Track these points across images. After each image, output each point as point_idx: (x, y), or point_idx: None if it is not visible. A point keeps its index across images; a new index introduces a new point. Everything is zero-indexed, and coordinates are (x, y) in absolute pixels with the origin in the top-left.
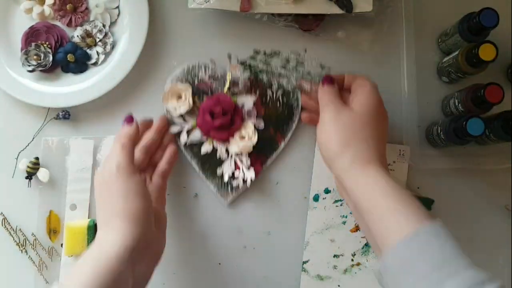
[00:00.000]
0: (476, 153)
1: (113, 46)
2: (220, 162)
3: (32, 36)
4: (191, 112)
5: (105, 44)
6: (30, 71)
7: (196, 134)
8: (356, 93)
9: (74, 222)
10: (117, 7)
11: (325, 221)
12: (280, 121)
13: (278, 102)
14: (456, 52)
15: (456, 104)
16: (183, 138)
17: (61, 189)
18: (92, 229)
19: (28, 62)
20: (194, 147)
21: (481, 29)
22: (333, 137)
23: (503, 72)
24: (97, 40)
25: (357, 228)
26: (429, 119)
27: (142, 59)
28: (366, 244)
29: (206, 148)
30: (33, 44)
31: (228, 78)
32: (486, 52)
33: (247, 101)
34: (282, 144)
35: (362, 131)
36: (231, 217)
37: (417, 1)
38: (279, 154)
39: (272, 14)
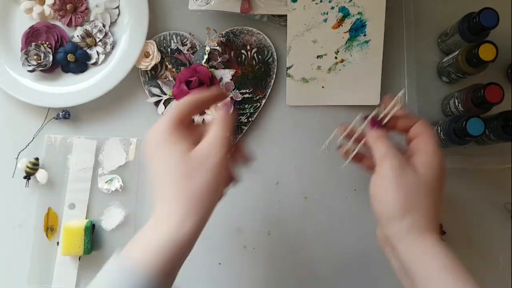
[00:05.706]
0: (476, 153)
1: (113, 46)
2: None
3: (32, 36)
4: (169, 83)
5: (105, 44)
6: (30, 71)
7: (173, 104)
8: (420, 150)
9: (72, 222)
10: (117, 7)
11: (305, 22)
12: (258, 78)
13: (253, 61)
14: (456, 52)
15: (456, 104)
16: (160, 109)
17: (61, 187)
18: (90, 230)
19: (28, 62)
20: None
21: (481, 29)
22: (395, 197)
23: (503, 72)
24: (97, 40)
25: (339, 24)
26: (429, 119)
27: None
28: (349, 39)
29: None
30: (33, 44)
31: (207, 50)
32: (486, 52)
33: (225, 75)
34: (263, 101)
35: (425, 197)
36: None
37: (417, 1)
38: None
39: (272, 15)
